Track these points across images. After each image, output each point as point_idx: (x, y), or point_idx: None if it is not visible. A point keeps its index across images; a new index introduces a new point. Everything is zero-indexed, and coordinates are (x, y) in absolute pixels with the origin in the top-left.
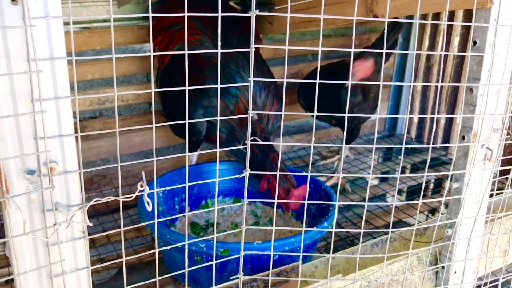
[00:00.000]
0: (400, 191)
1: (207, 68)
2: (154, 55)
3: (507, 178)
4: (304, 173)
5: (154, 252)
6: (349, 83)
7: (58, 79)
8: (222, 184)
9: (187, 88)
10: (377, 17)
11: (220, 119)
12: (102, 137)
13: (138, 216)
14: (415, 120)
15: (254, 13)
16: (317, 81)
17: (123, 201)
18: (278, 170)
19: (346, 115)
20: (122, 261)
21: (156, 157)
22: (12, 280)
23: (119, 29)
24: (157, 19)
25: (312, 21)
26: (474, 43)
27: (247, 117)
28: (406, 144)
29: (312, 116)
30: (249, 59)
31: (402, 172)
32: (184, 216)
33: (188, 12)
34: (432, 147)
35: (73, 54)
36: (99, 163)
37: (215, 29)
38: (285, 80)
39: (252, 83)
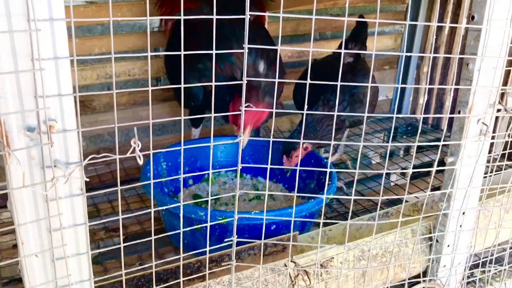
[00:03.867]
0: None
1: (204, 33)
2: (162, 28)
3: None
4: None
5: (157, 222)
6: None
7: (57, 39)
8: (225, 158)
9: (182, 54)
10: None
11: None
12: (108, 111)
13: (142, 187)
14: (421, 101)
15: None
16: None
17: (129, 174)
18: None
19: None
20: (125, 229)
21: (163, 133)
22: None
23: (127, 4)
24: None
25: None
26: (472, 17)
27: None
28: (411, 125)
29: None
30: (243, 22)
31: (407, 151)
32: (187, 189)
33: None
34: (436, 129)
35: (71, 16)
36: (106, 138)
37: None
38: (277, 81)
39: (246, 49)
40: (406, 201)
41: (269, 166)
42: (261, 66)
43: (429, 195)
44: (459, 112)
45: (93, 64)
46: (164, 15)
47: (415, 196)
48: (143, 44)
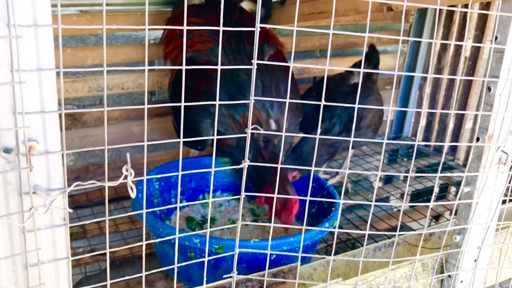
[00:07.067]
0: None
1: (216, 76)
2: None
3: None
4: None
5: (147, 246)
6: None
7: (41, 48)
8: (220, 179)
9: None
10: (392, 10)
11: (229, 128)
12: (100, 125)
13: (131, 208)
14: (423, 123)
15: (258, 25)
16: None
17: (119, 192)
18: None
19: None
20: (112, 253)
21: (156, 149)
22: None
23: (123, 14)
24: (168, 29)
25: (322, 13)
26: (496, 38)
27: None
28: (412, 148)
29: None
30: (262, 66)
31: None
32: (180, 211)
33: (199, 19)
34: (438, 152)
35: (59, 15)
36: (97, 152)
37: (228, 36)
38: (288, 99)
39: (252, 101)
40: (413, 230)
41: (275, 196)
42: (285, 123)
43: (447, 230)
44: (477, 139)
45: (85, 75)
46: (171, 56)
47: (421, 225)
48: (138, 56)
